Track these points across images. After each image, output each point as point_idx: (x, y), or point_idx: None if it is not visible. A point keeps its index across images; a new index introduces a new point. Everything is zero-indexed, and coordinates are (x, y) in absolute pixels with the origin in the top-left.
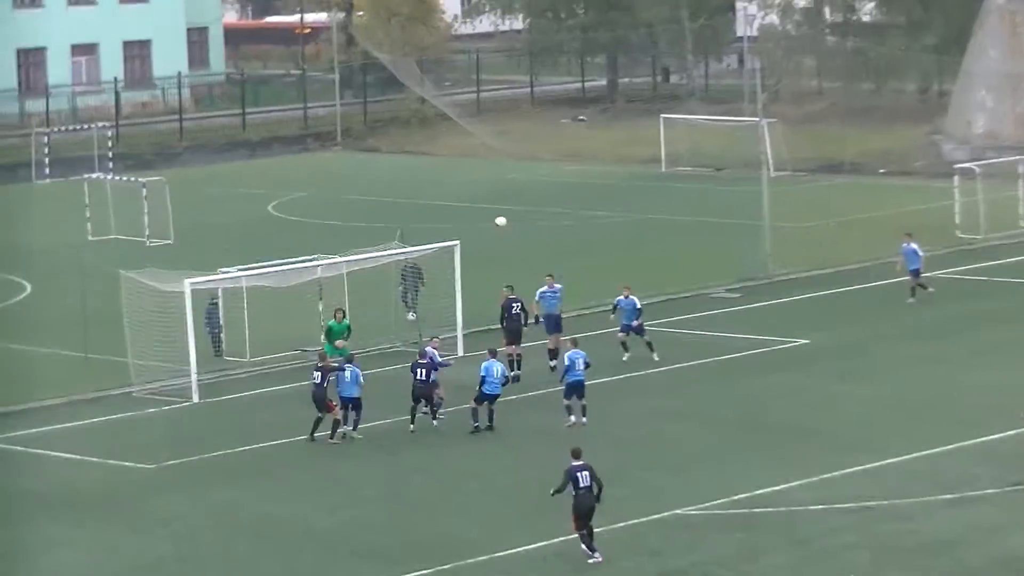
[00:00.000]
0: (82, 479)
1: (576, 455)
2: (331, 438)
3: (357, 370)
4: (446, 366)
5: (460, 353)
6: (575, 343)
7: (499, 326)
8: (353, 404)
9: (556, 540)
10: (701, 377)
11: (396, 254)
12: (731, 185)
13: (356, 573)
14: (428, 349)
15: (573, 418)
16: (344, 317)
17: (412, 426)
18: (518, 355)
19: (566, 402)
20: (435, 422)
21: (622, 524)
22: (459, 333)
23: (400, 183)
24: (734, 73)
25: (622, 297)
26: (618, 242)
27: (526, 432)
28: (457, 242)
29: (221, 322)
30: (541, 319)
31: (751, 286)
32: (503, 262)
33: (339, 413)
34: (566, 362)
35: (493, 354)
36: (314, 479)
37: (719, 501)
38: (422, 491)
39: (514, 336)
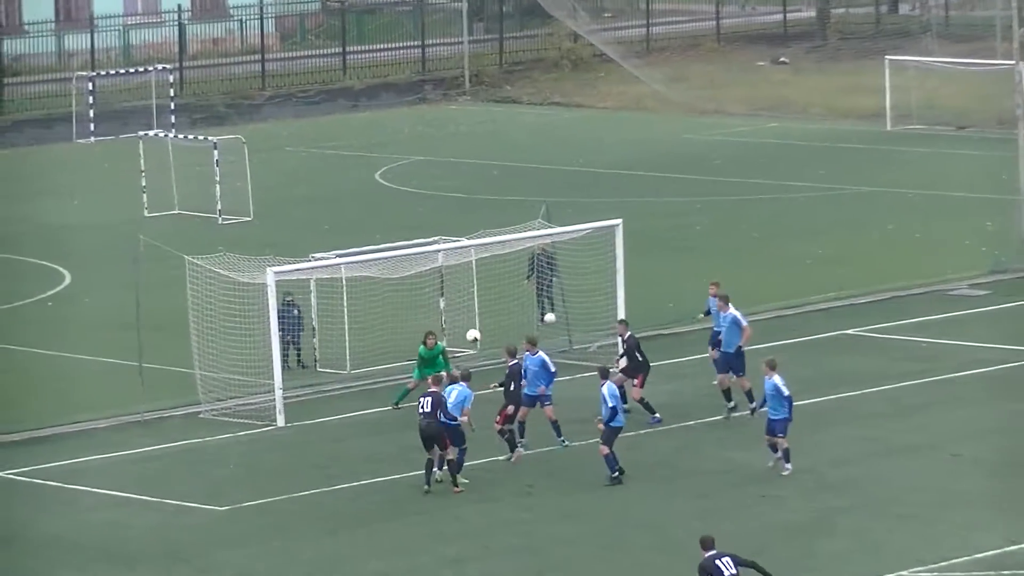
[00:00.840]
0: (133, 524)
1: (706, 545)
2: (455, 485)
3: (468, 392)
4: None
5: (623, 364)
6: (773, 366)
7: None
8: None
9: None
10: (935, 399)
11: (540, 236)
12: (977, 148)
13: None
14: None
15: (777, 455)
16: (436, 342)
17: (426, 486)
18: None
19: (768, 439)
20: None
21: None
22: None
23: (545, 143)
24: (984, 2)
25: (767, 377)
26: (828, 223)
27: (705, 471)
28: (619, 221)
29: (301, 324)
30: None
31: (1004, 280)
32: (678, 248)
33: (452, 452)
34: (767, 391)
35: (605, 375)
36: (432, 527)
37: (958, 560)
38: (571, 544)
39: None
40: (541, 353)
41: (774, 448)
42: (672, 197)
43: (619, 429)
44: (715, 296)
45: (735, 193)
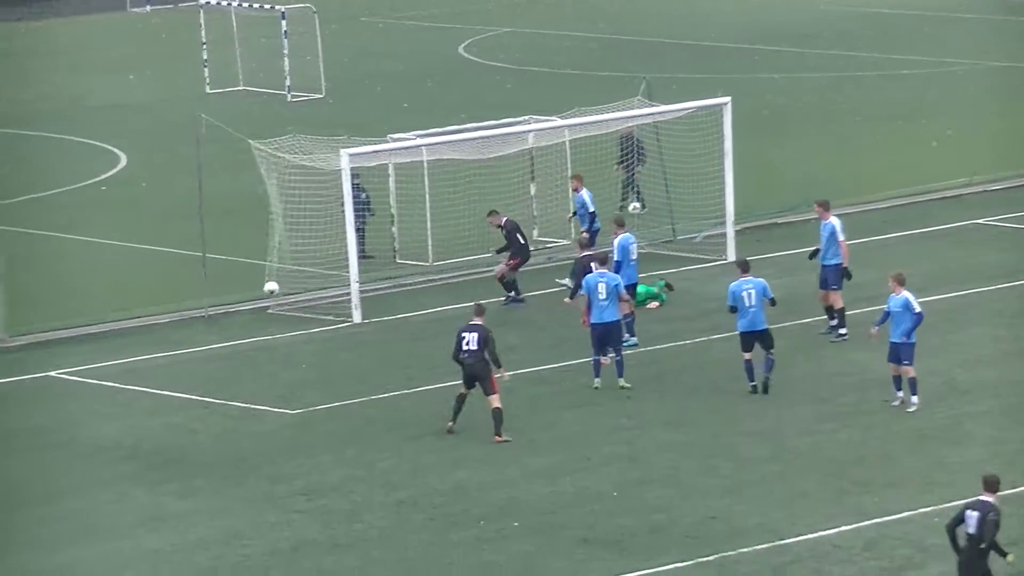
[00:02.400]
0: (196, 429)
1: (991, 485)
2: (497, 435)
3: (617, 280)
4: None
5: (730, 257)
6: (901, 281)
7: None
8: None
9: (855, 525)
10: None
11: (640, 115)
12: None
13: (587, 566)
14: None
15: (900, 393)
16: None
17: (451, 423)
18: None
19: (893, 369)
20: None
21: None
22: (729, 229)
23: (646, 14)
24: None
25: (894, 294)
26: (956, 102)
27: (823, 373)
28: (728, 99)
29: (369, 209)
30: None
31: None
32: (796, 131)
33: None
34: (889, 306)
35: (745, 268)
36: (521, 436)
37: None
38: (675, 453)
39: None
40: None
41: (898, 381)
42: (785, 73)
43: (761, 333)
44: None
45: (870, 68)
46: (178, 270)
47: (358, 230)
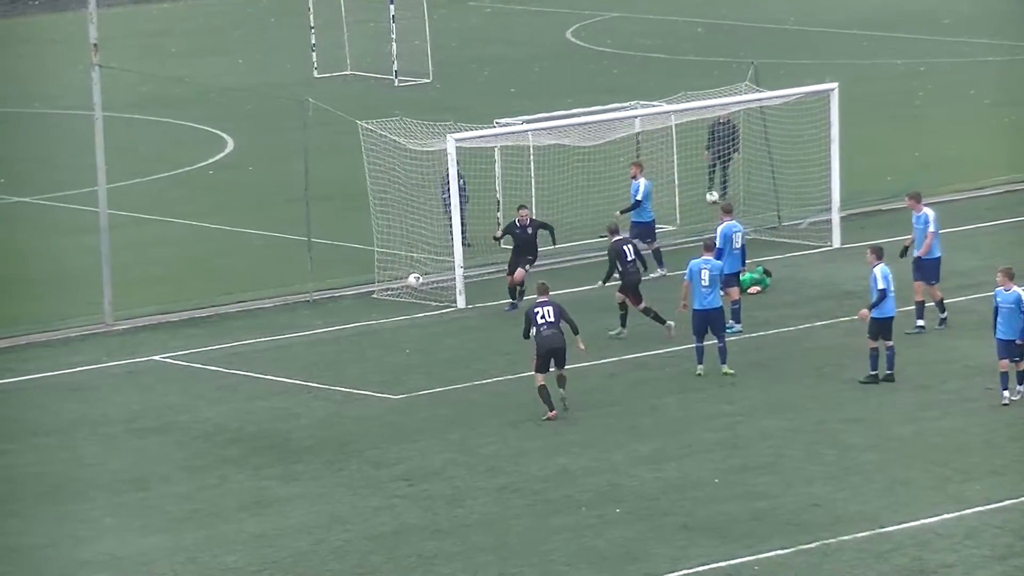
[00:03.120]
0: (299, 413)
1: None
2: (550, 410)
3: (720, 266)
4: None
5: (836, 244)
6: (1010, 275)
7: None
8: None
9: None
10: None
11: (748, 100)
12: None
13: (688, 552)
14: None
15: (1007, 393)
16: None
17: (549, 414)
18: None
19: (1001, 366)
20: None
21: None
22: (834, 216)
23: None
24: None
25: (1003, 288)
26: None
27: (927, 361)
28: (835, 85)
29: (466, 196)
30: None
31: None
32: (906, 117)
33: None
34: (998, 302)
35: (879, 255)
36: (626, 420)
37: None
38: (778, 441)
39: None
40: (735, 222)
41: (1006, 378)
42: (893, 59)
43: (890, 320)
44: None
45: (964, 55)
46: (284, 254)
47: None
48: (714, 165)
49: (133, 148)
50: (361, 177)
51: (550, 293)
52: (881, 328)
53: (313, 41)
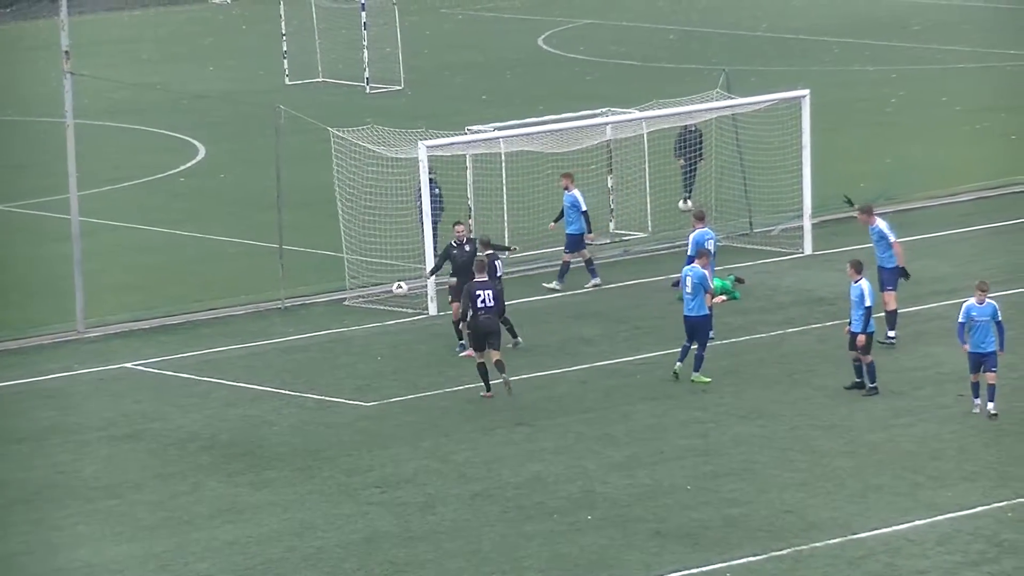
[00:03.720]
0: (272, 420)
1: None
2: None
3: (703, 274)
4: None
5: (808, 251)
6: (985, 289)
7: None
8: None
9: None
10: None
11: (719, 107)
12: None
13: (660, 559)
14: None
15: (978, 400)
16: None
17: (485, 393)
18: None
19: (972, 378)
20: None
21: None
22: (806, 223)
23: (726, 5)
24: None
25: (974, 301)
26: None
27: (901, 368)
28: (806, 92)
29: (441, 205)
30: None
31: None
32: (877, 124)
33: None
34: (962, 317)
35: (859, 270)
36: (598, 427)
37: None
38: (750, 447)
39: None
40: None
41: (977, 387)
42: (865, 65)
43: (871, 335)
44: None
45: (935, 62)
46: (256, 262)
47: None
48: (687, 172)
49: (105, 155)
50: (332, 184)
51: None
52: (866, 344)
53: (285, 48)
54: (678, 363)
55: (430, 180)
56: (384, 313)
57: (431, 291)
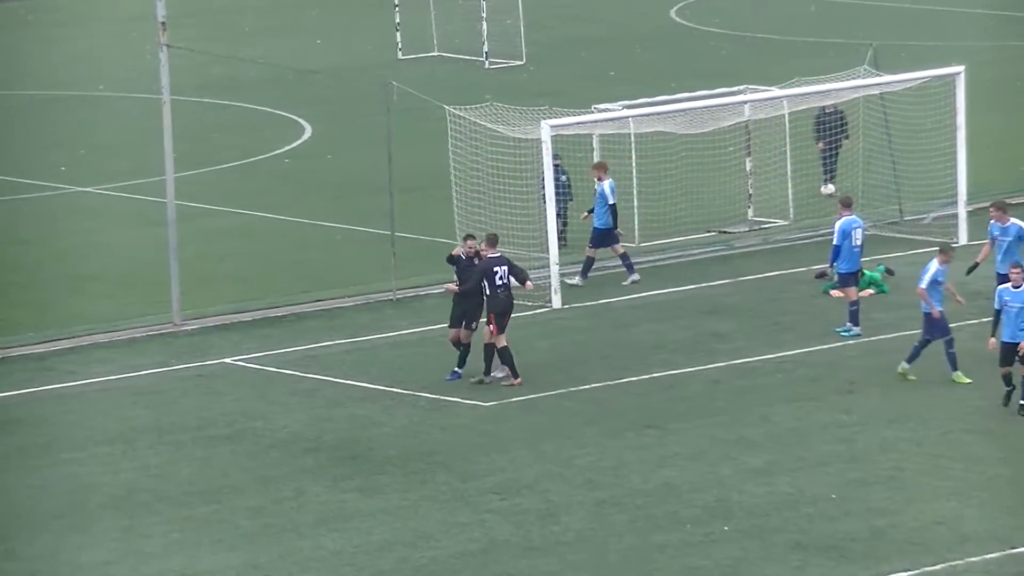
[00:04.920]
0: (382, 421)
1: None
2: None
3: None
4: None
5: (962, 240)
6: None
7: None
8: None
9: None
10: None
11: (866, 85)
12: None
13: (801, 573)
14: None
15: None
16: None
17: (514, 380)
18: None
19: (1002, 371)
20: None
21: None
22: (961, 210)
23: None
24: None
25: (1008, 286)
26: None
27: None
28: (961, 69)
29: (569, 193)
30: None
31: None
32: None
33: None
34: (997, 304)
35: (947, 253)
36: (735, 431)
37: None
38: (898, 453)
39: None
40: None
41: (1009, 380)
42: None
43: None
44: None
45: None
46: (365, 249)
47: (559, 215)
48: (827, 155)
49: (204, 134)
50: (449, 166)
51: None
52: (1011, 352)
53: (397, 20)
54: (905, 364)
55: (555, 165)
56: None
57: (554, 282)
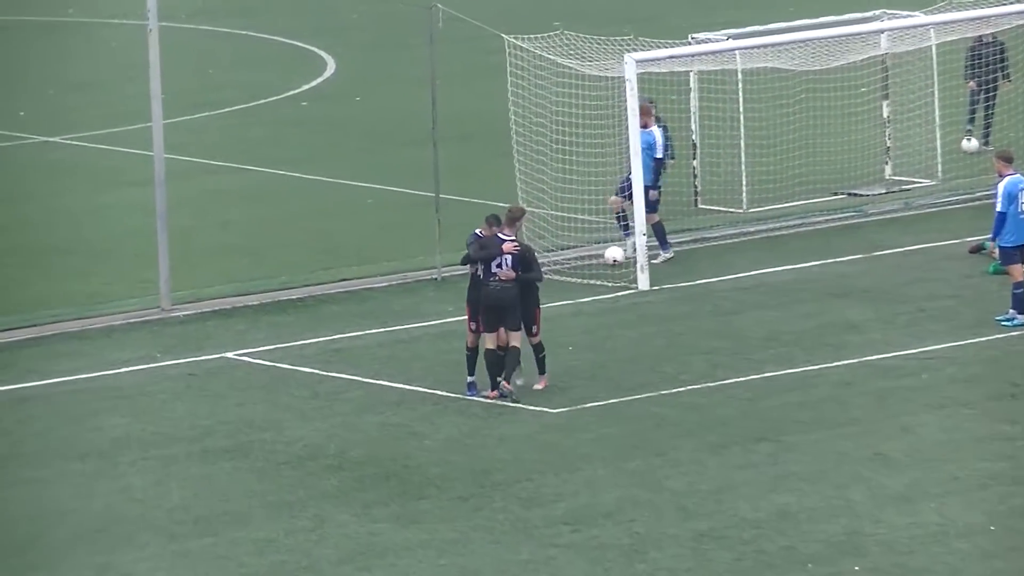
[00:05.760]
0: (424, 432)
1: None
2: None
3: None
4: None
5: None
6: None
7: None
8: None
9: None
10: None
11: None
12: None
13: None
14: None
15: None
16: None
17: (489, 392)
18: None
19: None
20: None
21: None
22: None
23: None
24: None
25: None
26: None
27: None
28: None
29: (668, 151)
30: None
31: None
32: None
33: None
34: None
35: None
36: (868, 441)
37: None
38: None
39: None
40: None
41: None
42: None
43: None
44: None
45: None
46: (401, 216)
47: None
48: (977, 99)
49: (200, 71)
50: (505, 115)
51: None
52: None
53: None
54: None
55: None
56: (577, 288)
57: (640, 258)
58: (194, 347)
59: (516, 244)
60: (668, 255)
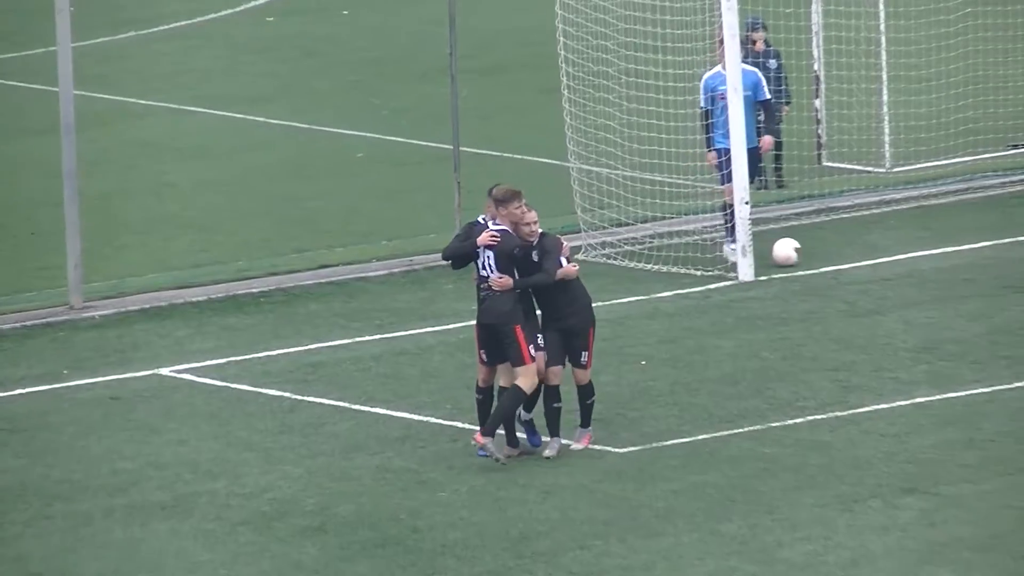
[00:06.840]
0: (433, 480)
1: None
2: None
3: None
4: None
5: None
6: None
7: None
8: None
9: None
10: None
11: None
12: None
13: None
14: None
15: None
16: None
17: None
18: None
19: None
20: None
21: None
22: None
23: None
24: None
25: None
26: None
27: None
28: None
29: (786, 91)
30: None
31: None
32: None
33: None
34: None
35: None
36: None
37: None
38: None
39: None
40: None
41: None
42: None
43: None
44: None
45: None
46: (406, 176)
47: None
48: None
49: None
50: (551, 37)
51: None
52: None
53: None
54: None
55: (751, 39)
56: (652, 278)
57: (743, 237)
58: (116, 360)
59: (497, 236)
60: (735, 246)
